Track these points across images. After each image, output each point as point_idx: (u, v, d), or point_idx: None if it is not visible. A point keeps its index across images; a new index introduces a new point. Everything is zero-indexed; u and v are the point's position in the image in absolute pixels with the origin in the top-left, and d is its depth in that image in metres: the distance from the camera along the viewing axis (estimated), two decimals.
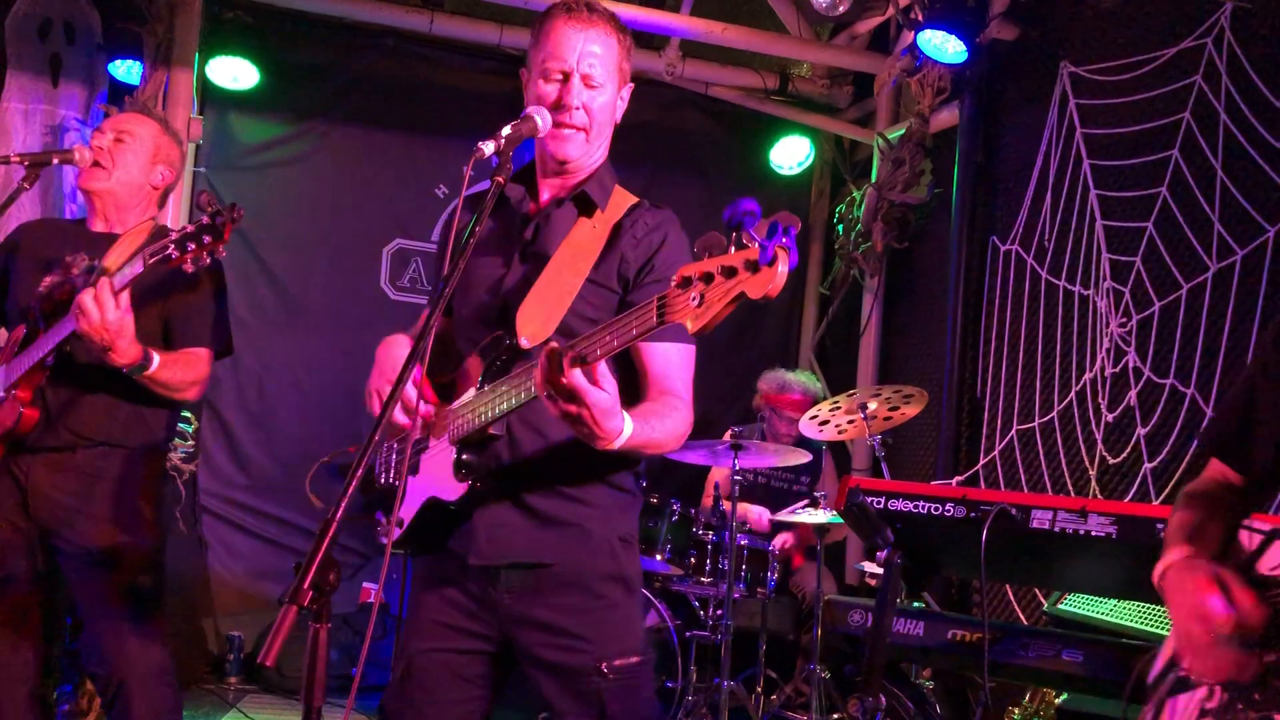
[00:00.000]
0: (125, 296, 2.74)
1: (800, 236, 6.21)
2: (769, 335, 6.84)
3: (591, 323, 2.11)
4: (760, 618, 4.89)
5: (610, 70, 2.18)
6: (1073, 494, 4.61)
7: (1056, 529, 2.56)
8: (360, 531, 5.43)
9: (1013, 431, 5.08)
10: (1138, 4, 4.71)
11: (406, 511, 2.19)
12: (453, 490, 2.08)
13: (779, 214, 1.60)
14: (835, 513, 4.51)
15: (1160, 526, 2.46)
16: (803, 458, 4.88)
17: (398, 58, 6.27)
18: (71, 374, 2.95)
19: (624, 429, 1.90)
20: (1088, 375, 4.70)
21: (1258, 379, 1.85)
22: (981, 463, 5.23)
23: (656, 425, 2.01)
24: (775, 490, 5.47)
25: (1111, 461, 4.51)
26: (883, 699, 2.75)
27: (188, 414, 5.57)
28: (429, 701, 2.16)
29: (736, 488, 4.65)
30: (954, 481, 5.22)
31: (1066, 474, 4.72)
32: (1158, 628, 3.19)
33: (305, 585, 1.58)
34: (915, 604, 4.42)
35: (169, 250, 2.63)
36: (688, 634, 4.82)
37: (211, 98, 6.01)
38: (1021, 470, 4.99)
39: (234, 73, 5.90)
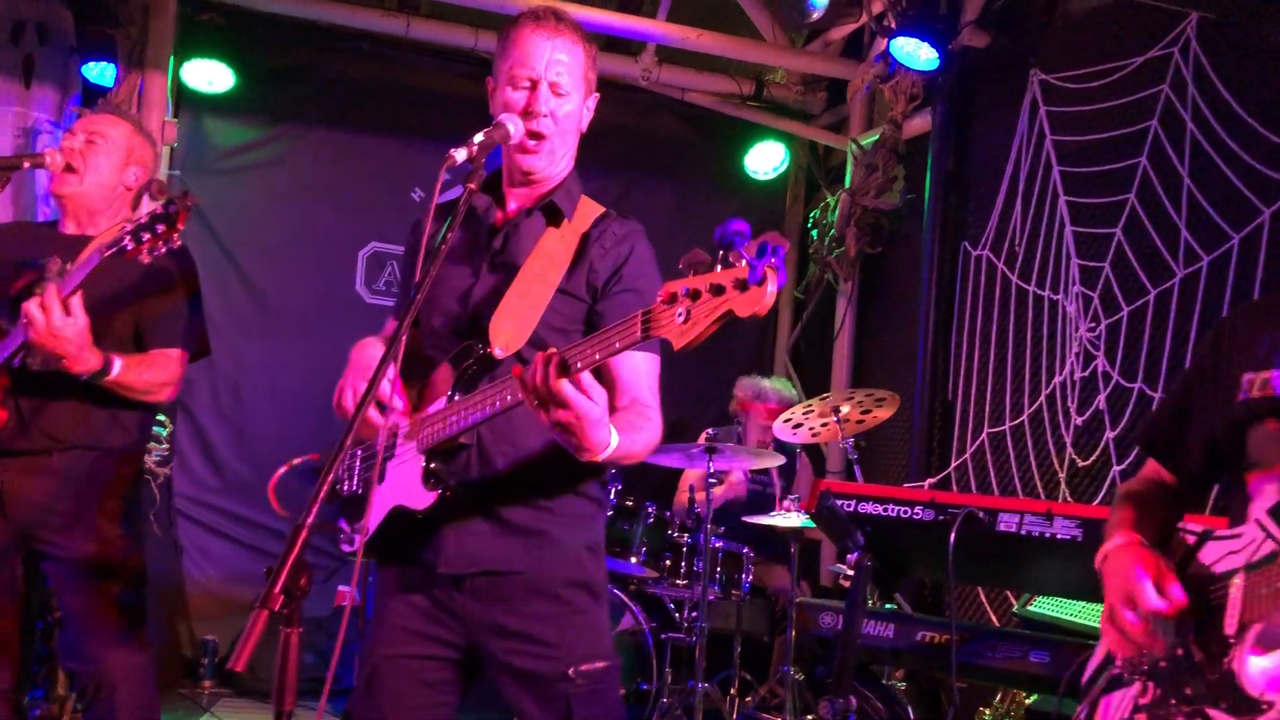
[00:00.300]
0: (76, 302, 2.70)
1: None
2: (744, 339, 6.87)
3: (561, 332, 2.13)
4: (735, 620, 4.91)
5: (577, 79, 2.19)
6: (1043, 496, 4.66)
7: (1023, 532, 2.60)
8: (333, 536, 5.42)
9: (984, 434, 5.14)
10: (1106, 13, 4.77)
11: (372, 519, 2.18)
12: (421, 499, 2.08)
13: (768, 234, 1.61)
14: (808, 516, 4.54)
15: None
16: (776, 461, 4.91)
17: (373, 61, 6.27)
18: (42, 376, 2.93)
19: (610, 441, 1.91)
20: (1057, 379, 4.75)
21: (1193, 381, 1.89)
22: (953, 465, 5.28)
23: (635, 437, 2.02)
24: (750, 492, 5.50)
25: (1081, 464, 4.56)
26: (853, 700, 2.78)
27: (162, 417, 5.55)
28: (394, 708, 2.16)
29: (710, 489, 4.68)
30: (926, 484, 5.27)
31: (1037, 477, 4.78)
32: None
33: (276, 590, 1.59)
34: (888, 606, 4.46)
35: (124, 242, 2.62)
36: (663, 636, 4.83)
37: (186, 100, 5.99)
38: (992, 473, 5.04)
39: (209, 75, 5.88)
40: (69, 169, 3.08)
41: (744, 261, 1.59)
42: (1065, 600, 3.42)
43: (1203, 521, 1.84)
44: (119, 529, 3.03)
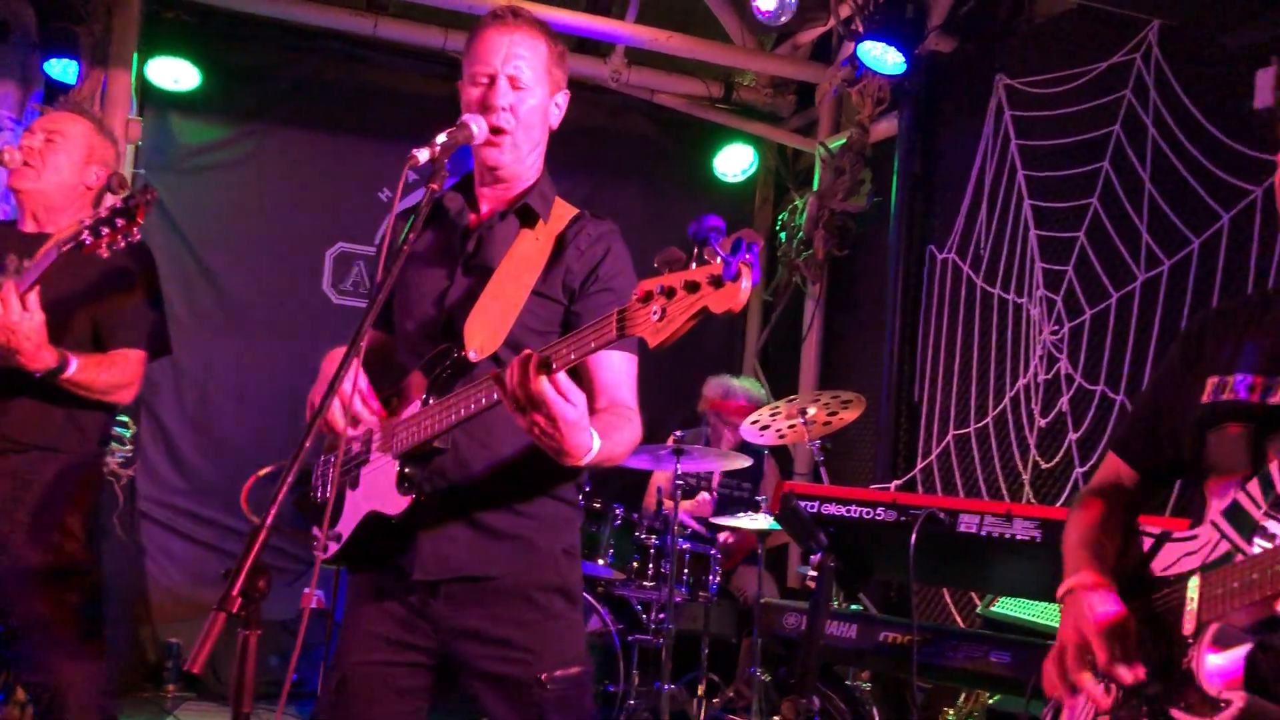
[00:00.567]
0: (33, 298, 2.66)
1: None
2: (713, 340, 6.88)
3: (538, 334, 2.12)
4: (702, 621, 4.92)
5: (538, 74, 2.18)
6: (1007, 498, 4.71)
7: (983, 533, 2.61)
8: (303, 540, 5.38)
9: (949, 436, 5.17)
10: (1070, 19, 4.82)
11: (345, 525, 2.17)
12: (396, 504, 2.06)
13: (743, 231, 1.61)
14: (772, 517, 4.56)
15: None
16: (744, 462, 4.93)
17: (341, 60, 6.24)
18: None
19: (593, 445, 1.89)
20: (1021, 381, 4.80)
21: (1163, 384, 1.91)
22: (919, 467, 5.32)
23: (617, 439, 2.01)
24: (718, 494, 5.52)
25: (1044, 466, 4.61)
26: (816, 701, 2.79)
27: (125, 418, 5.49)
28: (363, 715, 2.14)
29: (679, 492, 4.68)
30: (892, 486, 5.30)
31: (1001, 478, 4.82)
32: None
33: (234, 592, 1.58)
34: (853, 607, 4.48)
35: (82, 236, 2.59)
36: (630, 638, 4.84)
37: (151, 99, 5.94)
38: (958, 474, 5.08)
39: (174, 74, 5.84)
40: (26, 165, 3.05)
41: (719, 258, 1.58)
42: (1027, 601, 3.45)
43: (1161, 523, 1.86)
44: (79, 537, 2.98)
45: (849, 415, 4.76)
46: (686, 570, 4.88)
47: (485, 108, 2.14)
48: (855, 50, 5.32)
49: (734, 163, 6.78)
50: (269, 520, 1.62)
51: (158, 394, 5.92)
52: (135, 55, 5.67)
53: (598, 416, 2.02)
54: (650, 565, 4.91)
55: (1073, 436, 4.49)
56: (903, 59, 5.24)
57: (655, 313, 1.63)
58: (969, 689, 4.00)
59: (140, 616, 5.77)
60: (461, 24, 5.84)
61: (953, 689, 4.33)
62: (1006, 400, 4.86)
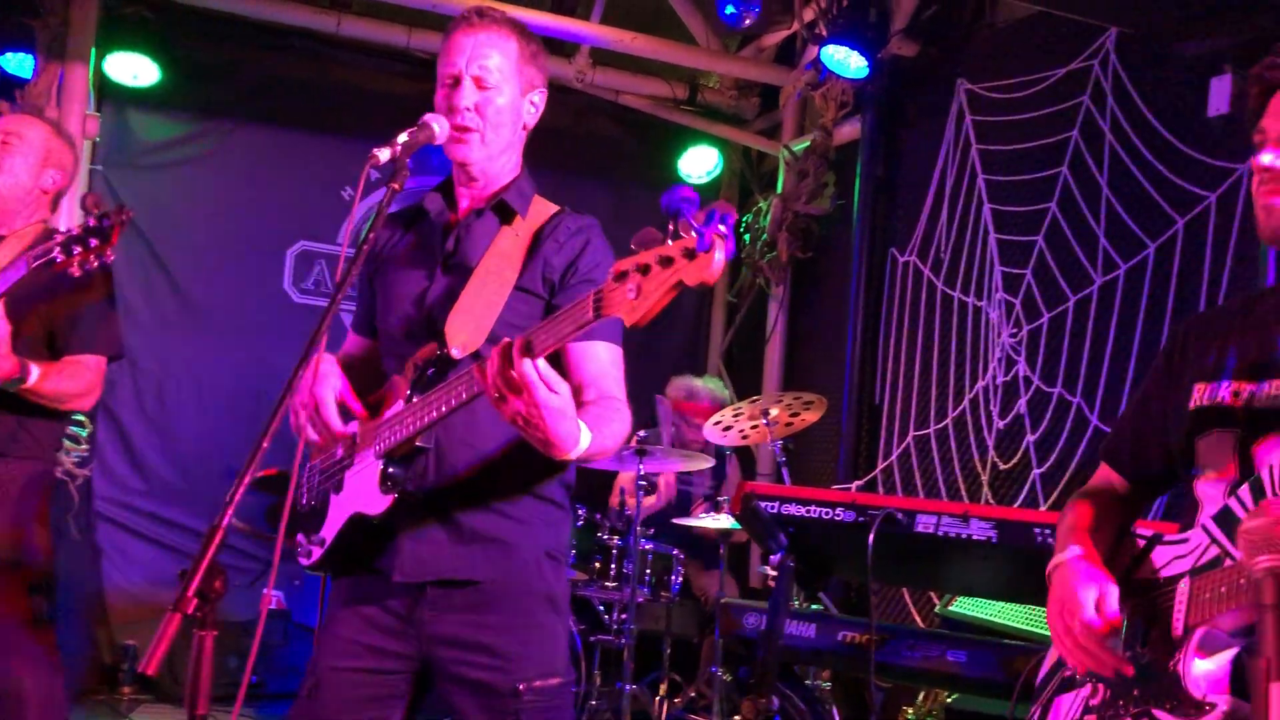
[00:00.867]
0: None
1: None
2: (678, 342, 6.90)
3: (520, 330, 2.10)
4: (664, 621, 4.93)
5: (507, 73, 2.16)
6: (966, 498, 4.75)
7: (940, 533, 2.64)
8: (269, 542, 5.35)
9: (910, 438, 5.22)
10: (1030, 25, 4.88)
11: (329, 530, 2.15)
12: (377, 504, 2.03)
13: (716, 203, 1.60)
14: (734, 517, 4.58)
15: (1038, 531, 2.57)
16: (707, 463, 4.94)
17: (304, 58, 6.19)
18: None
19: (581, 438, 1.87)
20: (980, 383, 4.85)
21: (1150, 392, 1.93)
22: (880, 468, 5.36)
23: (608, 432, 1.99)
24: (680, 493, 5.53)
25: (1002, 467, 4.66)
26: (775, 700, 2.81)
27: (81, 417, 5.42)
28: None
29: (641, 493, 4.69)
30: (853, 486, 5.33)
31: (960, 479, 4.87)
32: (1043, 628, 3.31)
33: (189, 593, 1.57)
34: (814, 607, 4.51)
35: (54, 254, 2.56)
36: (592, 638, 4.84)
37: (109, 94, 5.86)
38: (918, 475, 5.13)
39: (133, 69, 5.76)
40: None
41: (693, 231, 1.58)
42: (985, 600, 3.49)
43: (1153, 526, 1.87)
44: (30, 543, 2.95)
45: (811, 416, 4.79)
46: (649, 570, 4.89)
47: (449, 109, 2.13)
48: (819, 54, 5.36)
49: (698, 164, 6.80)
50: (225, 520, 1.61)
51: (115, 393, 5.84)
52: (93, 50, 5.60)
53: (586, 409, 2.00)
54: (612, 566, 4.91)
55: (1030, 438, 4.54)
56: (865, 63, 5.28)
57: (631, 291, 1.62)
58: (927, 688, 4.03)
59: (96, 618, 5.70)
60: (426, 23, 5.81)
61: (911, 688, 4.37)
62: (966, 402, 4.91)
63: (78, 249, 2.55)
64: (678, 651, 4.97)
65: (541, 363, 1.77)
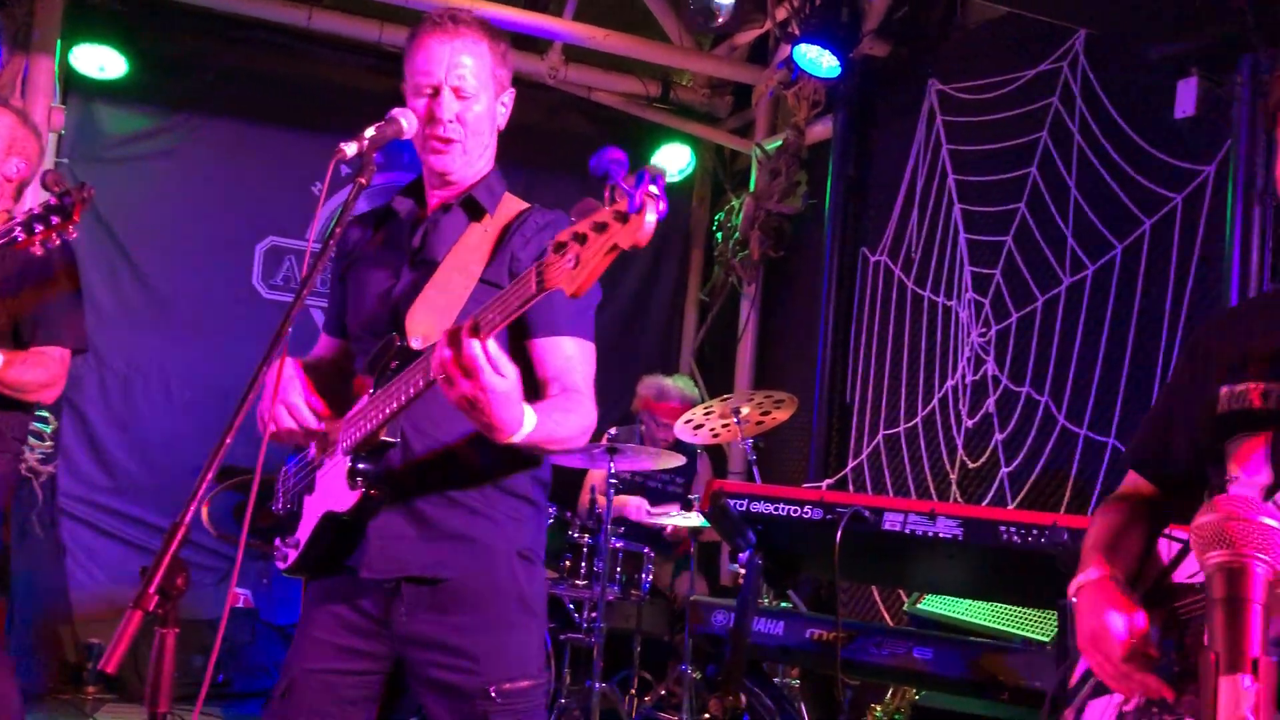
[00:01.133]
0: None
1: (681, 243, 6.27)
2: (650, 340, 6.90)
3: None
4: (635, 620, 4.93)
5: (483, 79, 2.16)
6: (935, 497, 4.78)
7: (907, 531, 2.65)
8: (235, 541, 5.28)
9: (879, 436, 5.24)
10: (1000, 27, 4.91)
11: (304, 531, 2.13)
12: (345, 500, 2.02)
13: (646, 165, 1.61)
14: (703, 515, 4.59)
15: (1003, 529, 2.58)
16: (677, 461, 4.94)
17: (274, 52, 6.14)
18: None
19: (524, 420, 1.86)
20: (950, 383, 4.87)
21: (1173, 396, 1.90)
22: (850, 466, 5.38)
23: (560, 420, 1.97)
24: (651, 491, 5.53)
25: (971, 466, 4.69)
26: (743, 698, 2.82)
27: (45, 413, 5.36)
28: None
29: (612, 490, 4.69)
30: (823, 485, 5.35)
31: (929, 477, 4.89)
32: (1009, 626, 3.33)
33: (151, 589, 1.56)
34: (783, 605, 4.52)
35: (15, 233, 2.53)
36: (562, 637, 4.83)
37: (75, 86, 5.79)
38: (887, 474, 5.15)
39: (100, 61, 5.70)
40: None
41: (624, 194, 1.58)
42: (952, 598, 3.51)
43: (1186, 531, 1.85)
44: None
45: (781, 415, 4.81)
46: (619, 569, 4.89)
47: (431, 120, 2.13)
48: (791, 53, 5.36)
49: (671, 162, 6.79)
50: (188, 517, 1.60)
51: (80, 389, 5.78)
52: (59, 41, 5.53)
53: (545, 399, 2.01)
54: (583, 564, 4.91)
55: (999, 437, 4.57)
56: (838, 62, 5.29)
57: (570, 261, 1.63)
58: (895, 685, 4.05)
59: (60, 617, 5.63)
60: (398, 18, 5.78)
61: (879, 686, 4.39)
62: (935, 401, 4.94)
63: (39, 227, 2.52)
64: (648, 650, 4.98)
65: (491, 344, 1.77)
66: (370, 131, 2.03)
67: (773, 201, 6.06)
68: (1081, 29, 4.38)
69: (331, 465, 2.10)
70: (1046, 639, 3.14)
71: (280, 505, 2.25)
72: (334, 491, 2.06)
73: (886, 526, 2.67)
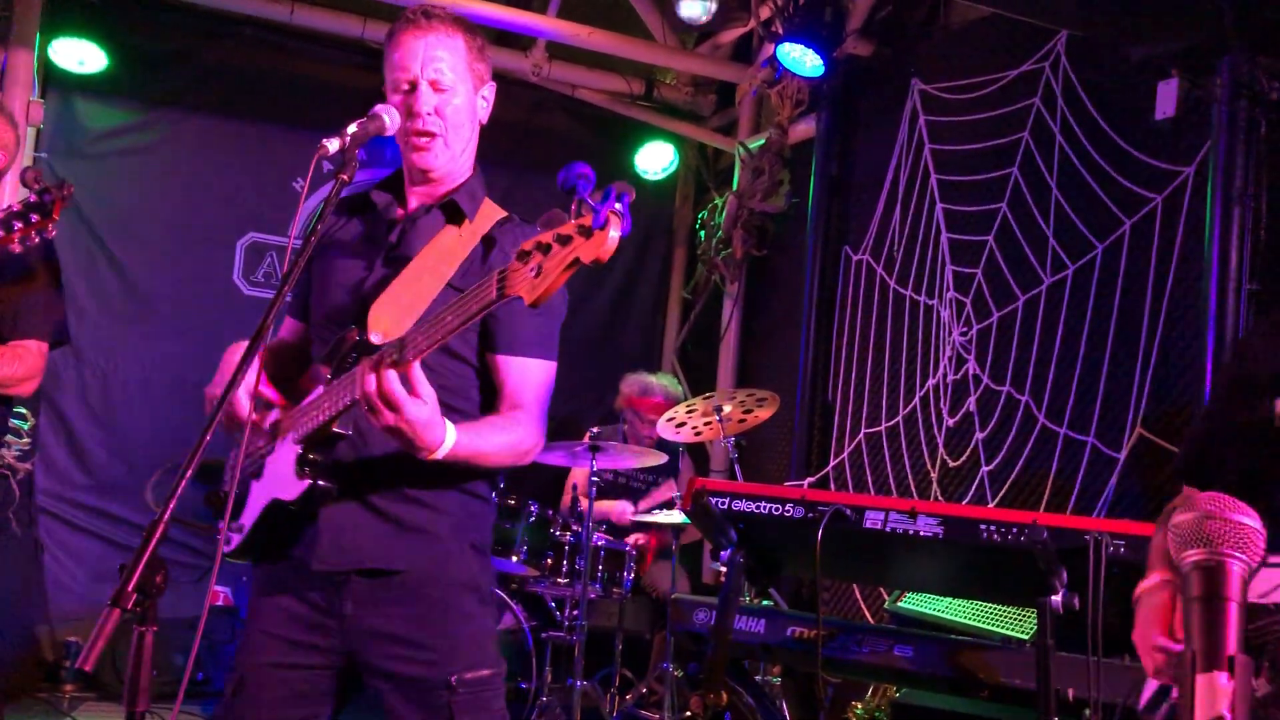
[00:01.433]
0: None
1: (664, 241, 6.26)
2: (633, 338, 6.91)
3: None
4: (616, 618, 4.94)
5: (460, 72, 2.17)
6: (916, 495, 4.79)
7: (888, 529, 2.66)
8: (210, 535, 5.28)
9: (861, 435, 5.25)
10: (983, 27, 4.92)
11: (249, 517, 2.13)
12: (293, 489, 2.02)
13: (615, 183, 1.65)
14: (684, 513, 4.59)
15: (983, 528, 2.59)
16: (659, 459, 4.95)
17: (256, 47, 6.11)
18: None
19: (445, 440, 1.91)
20: (931, 382, 4.89)
21: (1221, 406, 1.92)
22: (831, 465, 5.39)
23: (489, 438, 2.01)
24: (634, 490, 5.54)
25: (952, 464, 4.71)
26: (725, 696, 2.82)
27: (23, 410, 5.32)
28: (259, 718, 2.09)
29: (594, 488, 4.69)
30: (805, 483, 5.37)
31: (910, 476, 4.91)
32: (989, 624, 3.35)
33: (129, 587, 1.55)
34: (764, 603, 4.53)
35: None
36: (543, 635, 4.83)
37: (55, 80, 5.75)
38: (869, 472, 5.17)
39: (80, 55, 5.66)
40: None
41: (591, 209, 1.62)
42: (933, 596, 3.52)
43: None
44: None
45: (763, 413, 4.82)
46: (601, 567, 4.89)
47: (410, 114, 2.14)
48: (775, 52, 5.37)
49: (655, 160, 6.80)
50: (167, 514, 1.59)
51: (59, 385, 5.74)
52: (38, 35, 5.49)
53: (487, 418, 2.06)
54: (564, 562, 4.91)
55: (979, 436, 4.59)
56: (821, 61, 5.30)
57: (532, 270, 1.67)
58: (876, 683, 4.06)
59: (37, 615, 5.60)
60: (380, 14, 5.76)
61: (860, 683, 4.40)
62: (916, 400, 4.95)
63: (18, 224, 2.51)
64: (629, 648, 4.98)
65: (416, 368, 1.83)
66: (352, 128, 2.03)
67: (756, 200, 6.07)
68: (1063, 30, 4.40)
69: (281, 452, 2.11)
70: (1026, 637, 3.16)
71: (225, 489, 2.25)
72: (282, 479, 2.07)
73: (867, 525, 2.68)
